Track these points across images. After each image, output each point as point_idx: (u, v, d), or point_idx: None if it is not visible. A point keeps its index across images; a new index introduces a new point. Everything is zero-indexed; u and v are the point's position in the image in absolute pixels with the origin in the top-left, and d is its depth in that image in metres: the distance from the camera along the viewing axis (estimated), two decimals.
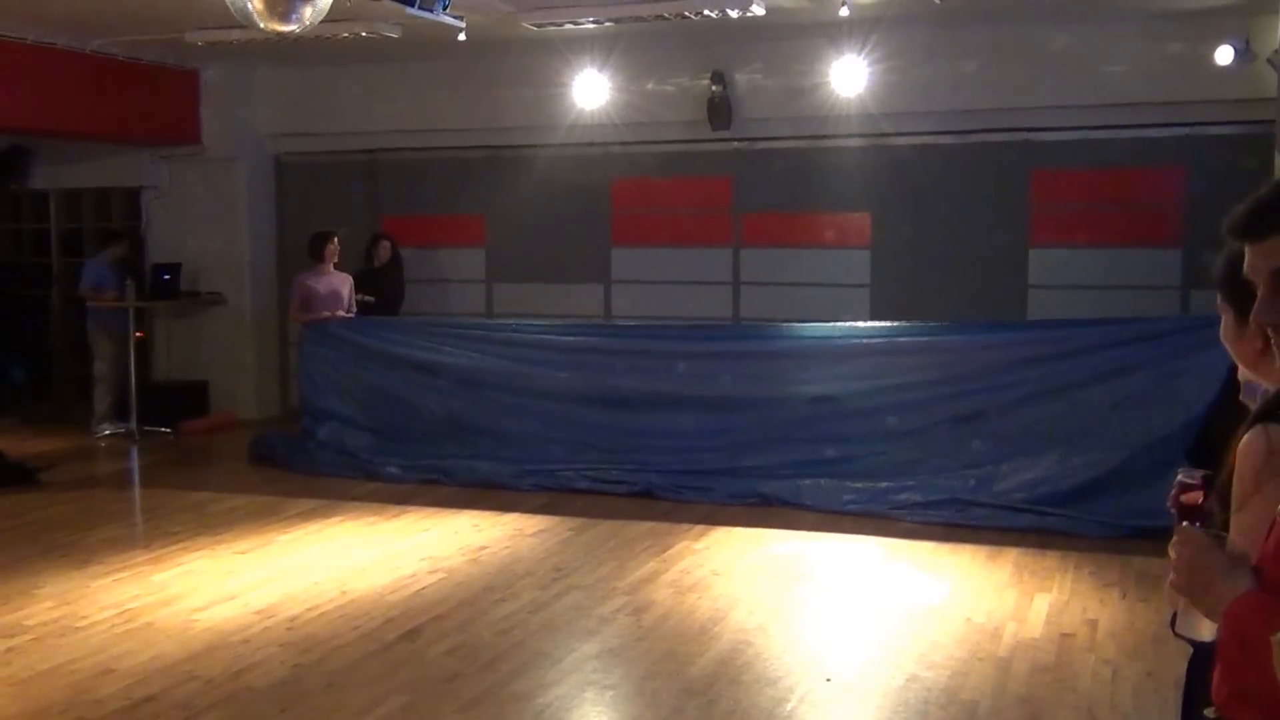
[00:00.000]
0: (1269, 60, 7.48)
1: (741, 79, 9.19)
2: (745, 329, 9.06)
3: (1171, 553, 1.66)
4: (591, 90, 9.29)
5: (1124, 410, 6.89)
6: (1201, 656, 1.84)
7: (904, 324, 7.99)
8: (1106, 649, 4.84)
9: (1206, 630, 1.66)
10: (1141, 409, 6.83)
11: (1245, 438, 1.65)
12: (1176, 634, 1.79)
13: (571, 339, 8.46)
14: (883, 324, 8.21)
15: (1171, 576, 1.66)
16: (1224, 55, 7.74)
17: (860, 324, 8.26)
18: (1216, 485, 1.81)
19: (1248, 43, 7.72)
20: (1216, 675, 1.57)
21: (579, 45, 9.01)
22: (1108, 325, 7.32)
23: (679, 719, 4.19)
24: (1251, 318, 1.63)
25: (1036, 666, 4.64)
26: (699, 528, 6.82)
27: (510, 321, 9.27)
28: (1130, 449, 6.75)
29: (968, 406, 7.28)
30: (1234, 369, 1.91)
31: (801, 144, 9.40)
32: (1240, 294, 1.69)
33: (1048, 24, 8.33)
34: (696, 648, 4.86)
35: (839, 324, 8.11)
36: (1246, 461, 1.64)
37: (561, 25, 8.09)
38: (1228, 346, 1.86)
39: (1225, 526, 1.70)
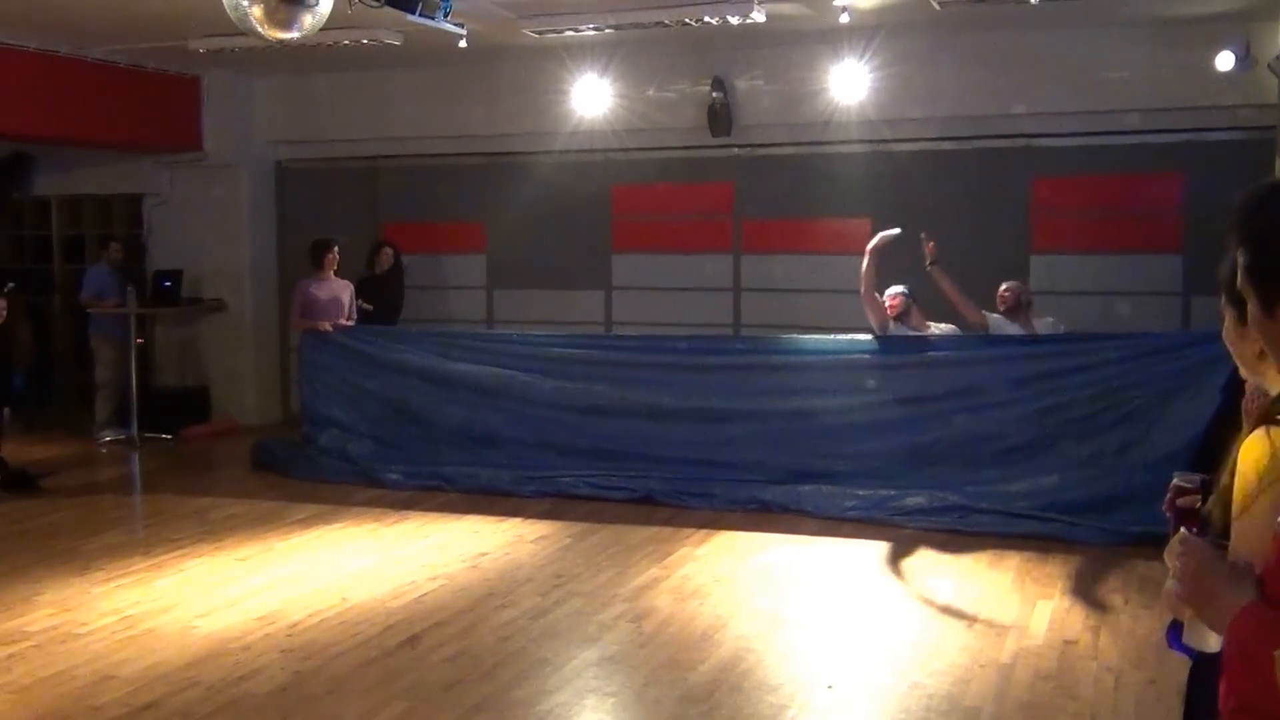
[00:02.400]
0: (1269, 66, 7.48)
1: (742, 85, 9.21)
2: (745, 343, 9.02)
3: (1168, 558, 1.65)
4: (592, 97, 9.30)
5: (1127, 425, 6.90)
6: (1202, 666, 1.83)
7: (905, 337, 7.99)
8: (1109, 656, 4.83)
9: (1213, 641, 1.65)
10: (1144, 424, 6.84)
11: (1247, 441, 1.64)
12: (1173, 647, 1.78)
13: (573, 351, 8.45)
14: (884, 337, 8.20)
15: (1170, 584, 1.65)
16: (1225, 61, 7.74)
17: (860, 337, 8.26)
18: (1217, 490, 1.80)
19: (1248, 49, 7.73)
20: (1223, 687, 1.55)
21: (580, 52, 9.02)
22: (1111, 340, 7.33)
23: None
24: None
25: (1039, 673, 4.63)
26: (700, 534, 6.82)
27: (512, 333, 9.25)
28: (1131, 466, 6.76)
29: (969, 419, 7.27)
30: (1234, 376, 1.91)
31: (802, 150, 9.41)
32: (1242, 297, 1.69)
33: (1048, 30, 8.34)
34: (697, 654, 4.86)
35: (840, 338, 8.11)
36: (1249, 466, 1.62)
37: (562, 32, 8.11)
38: (1229, 347, 1.86)
39: (1226, 532, 1.69)
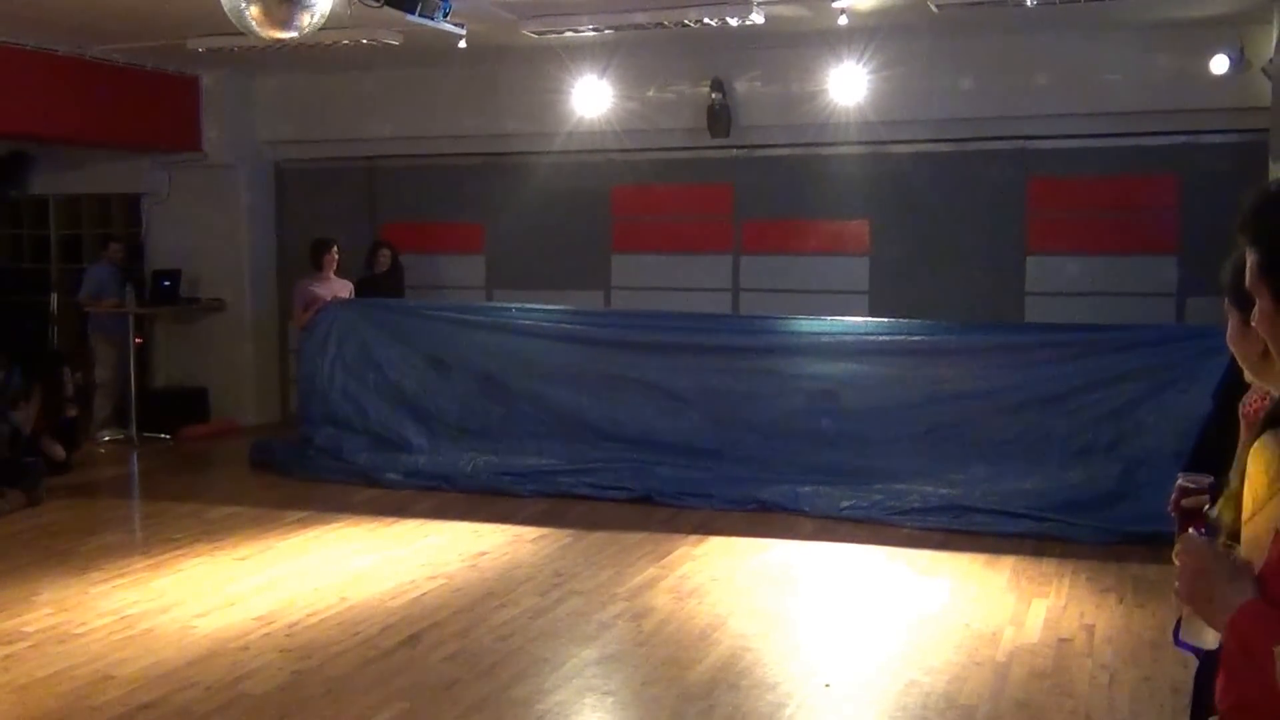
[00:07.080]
0: (1263, 69, 7.51)
1: (741, 87, 9.22)
2: (745, 320, 9.02)
3: (1175, 559, 1.66)
4: (592, 97, 9.32)
5: (1121, 418, 6.92)
6: (1208, 664, 1.84)
7: (905, 321, 7.95)
8: (1103, 654, 4.85)
9: (1211, 638, 1.65)
10: (1139, 417, 6.86)
11: (1255, 445, 1.64)
12: (1178, 645, 1.78)
13: (574, 326, 8.43)
14: (885, 320, 8.13)
15: (1177, 584, 1.66)
16: (1219, 64, 7.77)
17: (861, 320, 8.23)
18: (1227, 493, 1.80)
19: (1242, 52, 7.76)
20: (1220, 684, 1.56)
21: (579, 53, 9.03)
22: (1106, 331, 7.34)
23: None
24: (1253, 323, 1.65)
25: (1034, 672, 4.65)
26: (698, 534, 6.83)
27: (510, 306, 9.20)
28: (1126, 460, 6.78)
29: (965, 419, 7.29)
30: (1226, 377, 1.93)
31: (801, 151, 9.43)
32: (1246, 298, 1.70)
33: (1044, 33, 8.37)
34: (696, 653, 4.88)
35: (842, 319, 8.08)
36: (1258, 469, 1.62)
37: (562, 33, 8.12)
38: (1233, 349, 1.87)
39: (1236, 535, 1.69)
